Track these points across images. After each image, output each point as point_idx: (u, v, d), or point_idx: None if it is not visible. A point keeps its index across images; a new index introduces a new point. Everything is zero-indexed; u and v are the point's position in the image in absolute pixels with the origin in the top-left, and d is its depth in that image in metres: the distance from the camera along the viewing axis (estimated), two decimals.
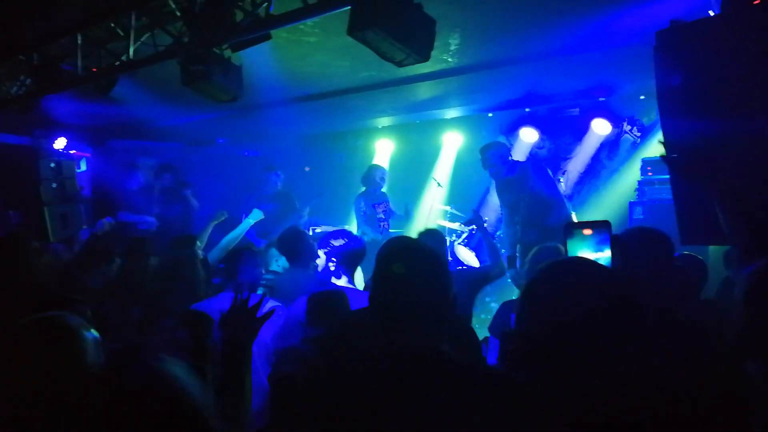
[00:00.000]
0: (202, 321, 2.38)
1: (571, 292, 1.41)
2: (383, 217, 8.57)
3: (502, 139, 9.06)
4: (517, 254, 6.36)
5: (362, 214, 8.55)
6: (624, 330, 1.36)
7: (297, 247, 4.59)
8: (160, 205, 8.32)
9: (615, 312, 1.37)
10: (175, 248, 4.84)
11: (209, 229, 6.08)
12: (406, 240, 3.67)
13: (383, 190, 8.77)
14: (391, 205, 8.76)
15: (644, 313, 1.40)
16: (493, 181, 7.20)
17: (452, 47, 5.84)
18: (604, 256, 1.85)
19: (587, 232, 1.86)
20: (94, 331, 1.82)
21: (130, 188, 8.35)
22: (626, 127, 8.12)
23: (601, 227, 1.87)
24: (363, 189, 8.69)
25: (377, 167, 8.91)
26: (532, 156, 8.67)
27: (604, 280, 1.46)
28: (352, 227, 8.69)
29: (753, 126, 2.82)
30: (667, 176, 3.14)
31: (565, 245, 1.88)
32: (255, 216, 6.29)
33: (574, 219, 7.26)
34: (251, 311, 2.18)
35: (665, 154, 2.67)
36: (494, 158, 6.49)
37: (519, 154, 8.76)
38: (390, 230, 8.66)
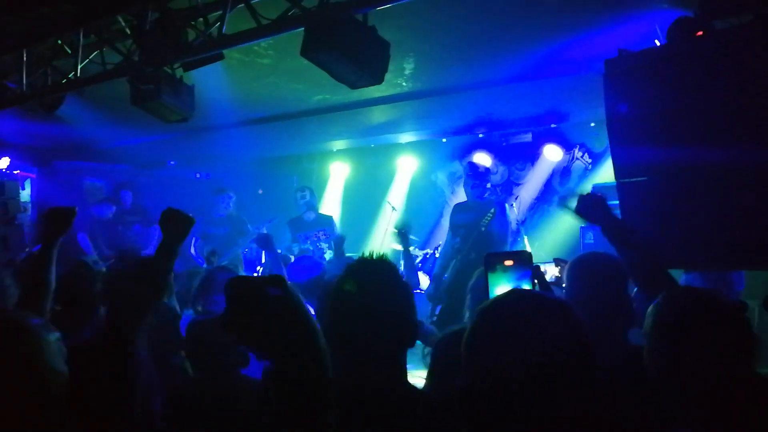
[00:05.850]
0: None
1: (519, 338, 1.24)
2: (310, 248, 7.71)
3: (456, 164, 9.14)
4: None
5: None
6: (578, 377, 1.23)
7: None
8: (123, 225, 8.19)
9: (569, 359, 1.22)
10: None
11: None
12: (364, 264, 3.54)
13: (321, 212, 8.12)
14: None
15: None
16: (448, 205, 7.05)
17: (406, 71, 5.87)
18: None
19: (509, 263, 1.76)
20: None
21: (102, 217, 8.22)
22: (577, 154, 8.30)
23: (522, 258, 1.76)
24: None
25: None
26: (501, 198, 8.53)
27: (554, 322, 1.25)
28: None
29: (694, 155, 2.89)
30: (617, 202, 3.18)
31: (485, 277, 1.79)
32: None
33: (527, 243, 7.33)
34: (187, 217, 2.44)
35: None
36: (485, 177, 6.17)
37: None
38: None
